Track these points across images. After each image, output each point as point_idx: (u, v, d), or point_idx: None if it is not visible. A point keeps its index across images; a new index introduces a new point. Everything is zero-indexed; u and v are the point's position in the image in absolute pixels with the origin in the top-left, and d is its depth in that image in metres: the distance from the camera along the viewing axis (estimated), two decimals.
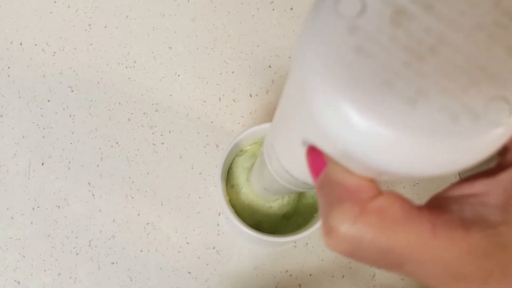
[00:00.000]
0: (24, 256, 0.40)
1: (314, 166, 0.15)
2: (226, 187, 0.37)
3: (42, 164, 0.42)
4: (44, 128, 0.42)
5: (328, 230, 0.13)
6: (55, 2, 0.45)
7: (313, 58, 0.11)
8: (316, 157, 0.15)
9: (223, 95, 0.44)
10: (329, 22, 0.11)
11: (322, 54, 0.11)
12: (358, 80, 0.11)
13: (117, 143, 0.42)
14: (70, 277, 0.40)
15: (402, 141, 0.11)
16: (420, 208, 0.13)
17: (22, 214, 0.41)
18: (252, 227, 0.32)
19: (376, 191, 0.13)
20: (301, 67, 0.12)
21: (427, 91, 0.11)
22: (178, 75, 0.44)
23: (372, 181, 0.14)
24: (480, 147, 0.11)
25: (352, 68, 0.11)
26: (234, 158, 0.37)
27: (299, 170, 0.19)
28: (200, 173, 0.42)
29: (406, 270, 0.13)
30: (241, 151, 0.37)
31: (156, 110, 0.43)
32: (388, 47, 0.11)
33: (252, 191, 0.35)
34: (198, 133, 0.43)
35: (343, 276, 0.41)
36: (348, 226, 0.13)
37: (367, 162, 0.12)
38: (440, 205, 0.14)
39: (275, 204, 0.36)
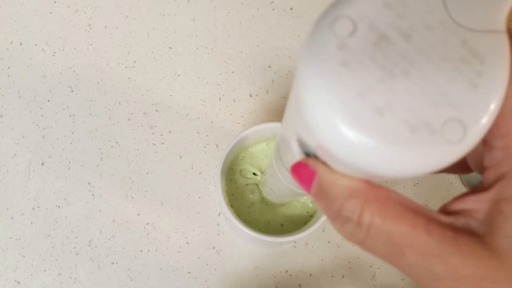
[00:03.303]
0: (24, 256, 0.40)
1: (303, 179, 0.16)
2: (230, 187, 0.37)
3: (42, 164, 0.42)
4: (44, 128, 0.42)
5: (342, 223, 0.15)
6: (55, 2, 0.45)
7: (306, 67, 0.13)
8: (302, 170, 0.16)
9: (223, 95, 0.44)
10: (324, 38, 0.13)
11: (314, 64, 0.13)
12: (338, 88, 0.13)
13: (117, 143, 0.42)
14: (70, 277, 0.40)
15: (369, 145, 0.13)
16: (417, 206, 0.15)
17: (22, 214, 0.41)
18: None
19: (373, 185, 0.15)
20: (297, 73, 0.14)
21: (394, 105, 0.13)
22: (178, 75, 0.44)
23: (367, 180, 0.15)
24: (434, 157, 0.13)
25: (335, 78, 0.13)
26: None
27: None
28: (200, 173, 0.42)
29: (407, 261, 0.14)
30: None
31: (156, 110, 0.43)
32: (367, 65, 0.13)
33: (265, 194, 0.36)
34: (198, 133, 0.43)
35: (343, 276, 0.41)
36: (357, 216, 0.14)
37: (350, 164, 0.13)
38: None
39: (299, 203, 0.37)
